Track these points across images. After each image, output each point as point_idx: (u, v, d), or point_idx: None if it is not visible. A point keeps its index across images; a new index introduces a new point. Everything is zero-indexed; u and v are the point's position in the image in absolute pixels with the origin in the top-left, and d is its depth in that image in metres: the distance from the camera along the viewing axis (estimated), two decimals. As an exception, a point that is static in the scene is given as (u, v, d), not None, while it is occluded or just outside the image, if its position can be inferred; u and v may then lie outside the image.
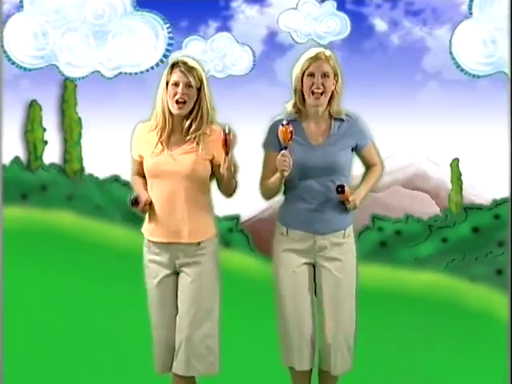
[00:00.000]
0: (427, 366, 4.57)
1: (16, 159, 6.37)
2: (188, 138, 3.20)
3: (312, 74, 3.25)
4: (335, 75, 3.28)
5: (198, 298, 3.23)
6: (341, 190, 3.20)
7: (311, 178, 3.26)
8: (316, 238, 3.29)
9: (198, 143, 3.21)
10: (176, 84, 3.18)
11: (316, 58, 3.26)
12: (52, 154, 6.45)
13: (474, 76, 5.91)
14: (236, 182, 3.28)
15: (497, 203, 6.12)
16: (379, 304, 5.44)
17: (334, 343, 3.31)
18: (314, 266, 3.35)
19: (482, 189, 6.39)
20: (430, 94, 6.04)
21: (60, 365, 4.32)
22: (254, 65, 6.13)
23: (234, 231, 6.35)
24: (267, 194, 3.36)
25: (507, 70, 5.74)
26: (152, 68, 6.05)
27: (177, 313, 3.27)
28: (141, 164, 3.32)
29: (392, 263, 6.11)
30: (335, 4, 6.01)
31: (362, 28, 6.03)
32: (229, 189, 3.28)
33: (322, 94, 3.24)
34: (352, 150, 3.34)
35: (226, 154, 3.13)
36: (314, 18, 6.03)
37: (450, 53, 5.89)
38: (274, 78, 6.21)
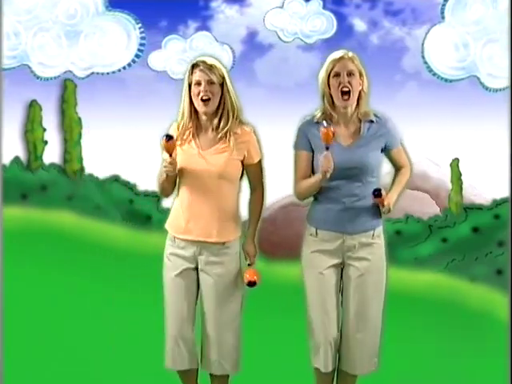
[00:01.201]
0: (427, 366, 4.57)
1: (16, 159, 6.37)
2: (219, 136, 3.23)
3: (338, 74, 3.27)
4: (361, 75, 3.30)
5: (223, 299, 3.28)
6: (378, 193, 3.22)
7: (341, 179, 3.28)
8: (345, 237, 3.30)
9: (229, 142, 3.23)
10: (198, 83, 3.24)
11: (340, 59, 3.29)
12: (52, 153, 6.45)
13: (446, 80, 5.92)
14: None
15: (497, 203, 6.12)
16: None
17: (356, 342, 3.31)
18: (342, 267, 3.36)
19: (482, 189, 6.39)
20: (409, 95, 6.05)
21: (60, 365, 4.32)
22: (233, 64, 6.12)
23: (234, 231, 6.34)
24: (304, 194, 3.37)
25: (480, 74, 5.82)
26: (124, 68, 6.06)
27: (194, 309, 3.31)
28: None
29: (392, 263, 6.09)
30: (321, 3, 6.01)
31: (342, 28, 6.00)
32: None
33: (349, 92, 3.26)
34: (381, 151, 3.36)
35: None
36: (300, 17, 6.02)
37: (423, 57, 5.90)
38: (253, 79, 6.22)
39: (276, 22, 6.05)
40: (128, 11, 6.00)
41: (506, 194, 5.51)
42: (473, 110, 5.94)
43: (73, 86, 6.33)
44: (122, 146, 6.05)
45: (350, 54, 3.32)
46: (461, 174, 6.26)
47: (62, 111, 6.43)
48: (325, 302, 3.30)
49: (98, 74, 6.07)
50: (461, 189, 6.28)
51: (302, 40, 6.01)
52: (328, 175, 3.18)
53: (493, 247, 6.01)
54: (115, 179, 6.38)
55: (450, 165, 6.29)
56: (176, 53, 6.13)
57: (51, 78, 6.02)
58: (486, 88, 5.91)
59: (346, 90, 3.26)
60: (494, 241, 6.02)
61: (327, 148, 3.17)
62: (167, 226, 3.39)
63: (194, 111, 3.27)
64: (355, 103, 3.32)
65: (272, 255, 5.28)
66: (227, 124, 3.24)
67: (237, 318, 3.32)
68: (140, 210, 5.87)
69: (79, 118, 6.43)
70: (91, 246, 5.89)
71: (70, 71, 6.03)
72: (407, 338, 4.98)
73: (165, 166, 3.21)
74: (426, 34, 5.93)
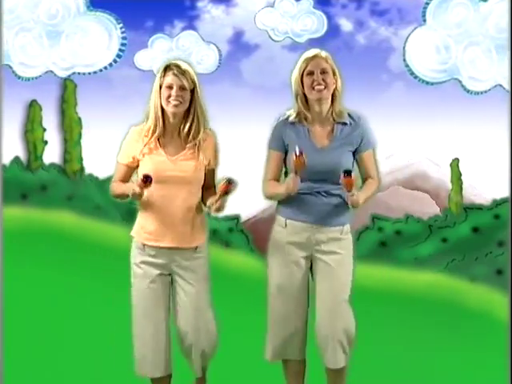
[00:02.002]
0: (427, 366, 4.57)
1: (16, 159, 6.37)
2: (189, 144, 3.24)
3: (311, 73, 3.27)
4: (334, 74, 3.30)
5: (200, 303, 3.30)
6: (348, 174, 3.17)
7: (313, 180, 3.27)
8: (314, 230, 3.31)
9: (197, 149, 3.24)
10: (170, 87, 3.23)
11: (313, 57, 3.29)
12: (52, 153, 6.45)
13: (427, 83, 5.93)
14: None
15: (497, 203, 6.12)
16: (379, 304, 5.44)
17: (330, 335, 3.31)
18: (310, 261, 3.37)
19: (482, 189, 6.39)
20: (395, 95, 6.05)
21: (60, 365, 4.32)
22: (219, 64, 6.12)
23: (234, 231, 6.35)
24: (270, 198, 3.42)
25: (461, 77, 5.82)
26: (105, 68, 6.07)
27: (167, 315, 3.32)
28: (129, 169, 3.33)
29: (392, 263, 6.11)
30: (312, 2, 6.02)
31: (328, 28, 6.01)
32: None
33: (324, 88, 3.26)
34: (353, 153, 3.35)
35: (221, 196, 3.18)
36: (291, 16, 6.03)
37: (404, 60, 5.91)
38: (239, 78, 6.23)
39: (267, 21, 6.05)
40: (111, 11, 6.01)
41: (506, 194, 5.51)
42: (456, 111, 5.97)
43: (73, 86, 6.34)
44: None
45: (323, 53, 3.31)
46: (461, 174, 6.26)
47: (62, 111, 6.43)
48: (291, 294, 3.31)
49: (79, 74, 6.08)
50: (461, 189, 6.28)
51: (292, 39, 6.02)
52: (292, 194, 3.20)
53: (493, 247, 6.01)
54: (115, 179, 6.37)
55: (450, 165, 6.30)
56: (162, 52, 6.14)
57: (32, 78, 6.01)
58: (468, 91, 5.91)
59: (320, 87, 3.25)
60: (494, 241, 6.02)
61: (296, 173, 3.18)
62: (135, 234, 3.36)
63: (163, 113, 3.27)
64: (329, 102, 3.30)
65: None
66: (199, 132, 3.25)
67: (212, 320, 3.36)
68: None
69: (79, 118, 6.44)
70: (91, 246, 5.89)
71: (51, 71, 6.03)
72: (407, 337, 4.98)
73: (133, 196, 3.19)
74: (408, 36, 5.95)
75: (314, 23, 6.00)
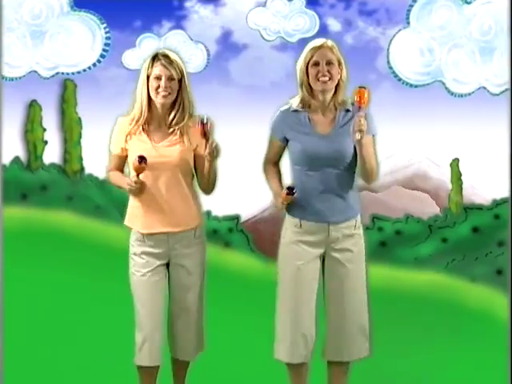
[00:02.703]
0: (427, 366, 4.57)
1: (16, 159, 6.37)
2: (171, 130, 3.25)
3: (317, 63, 3.26)
4: (339, 64, 3.29)
5: (198, 289, 3.35)
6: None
7: (319, 168, 3.27)
8: (330, 228, 3.31)
9: (182, 134, 3.26)
10: (158, 77, 3.25)
11: (319, 47, 3.28)
12: (52, 153, 6.45)
13: (411, 85, 5.94)
14: (216, 174, 3.32)
15: (497, 203, 6.12)
16: (379, 304, 5.44)
17: (342, 332, 3.32)
18: (323, 259, 3.37)
19: (482, 189, 6.39)
20: (383, 95, 6.05)
21: (60, 365, 4.32)
22: (207, 63, 6.12)
23: (233, 231, 6.35)
24: (266, 180, 3.43)
25: (445, 79, 5.84)
26: (89, 68, 6.07)
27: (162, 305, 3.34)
28: (121, 158, 3.38)
29: (392, 263, 6.11)
30: (304, 1, 6.03)
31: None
32: (209, 181, 3.32)
33: (329, 79, 3.25)
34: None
35: (207, 140, 3.18)
36: (283, 16, 6.03)
37: (388, 62, 5.91)
38: (228, 78, 6.23)
39: (259, 20, 6.06)
40: (98, 11, 6.02)
41: (506, 194, 5.51)
42: (439, 112, 5.98)
43: (73, 86, 6.34)
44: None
45: (330, 43, 3.30)
46: (461, 174, 6.26)
47: (62, 111, 6.43)
48: (304, 295, 3.31)
49: (62, 74, 6.08)
50: (461, 189, 6.28)
51: (284, 39, 6.03)
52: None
53: (493, 247, 6.01)
54: (115, 179, 6.37)
55: (450, 165, 6.29)
56: (150, 51, 6.14)
57: (16, 78, 6.01)
58: (452, 93, 5.92)
59: (326, 78, 3.24)
60: (494, 241, 6.02)
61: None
62: (129, 223, 3.38)
63: (150, 103, 3.28)
64: (333, 91, 3.29)
65: (272, 255, 5.26)
66: (183, 120, 3.26)
67: (203, 304, 3.41)
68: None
69: (79, 118, 6.44)
70: (91, 246, 5.89)
71: (35, 71, 6.03)
72: (407, 337, 4.98)
73: (129, 186, 3.22)
74: (392, 39, 5.96)
75: (306, 23, 6.01)
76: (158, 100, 3.24)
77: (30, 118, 6.38)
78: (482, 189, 6.38)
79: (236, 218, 6.36)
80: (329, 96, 3.30)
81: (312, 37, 5.92)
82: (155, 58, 3.28)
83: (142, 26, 6.24)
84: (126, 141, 3.32)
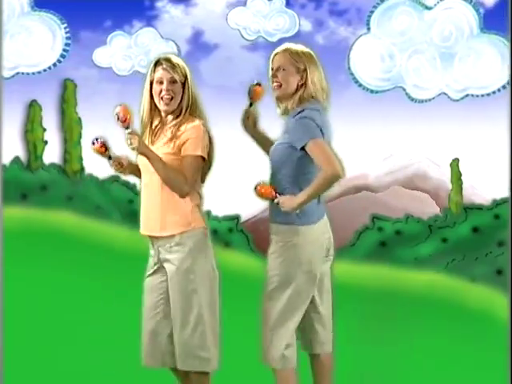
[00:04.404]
0: (427, 366, 4.57)
1: (16, 159, 6.37)
2: (166, 132, 3.24)
3: (272, 70, 3.25)
4: (299, 69, 3.25)
5: (179, 296, 3.23)
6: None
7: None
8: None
9: (172, 138, 3.20)
10: (160, 81, 3.22)
11: (275, 55, 3.27)
12: (52, 154, 6.45)
13: (371, 91, 5.94)
14: (163, 170, 3.17)
15: (497, 203, 6.12)
16: (379, 304, 5.44)
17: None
18: None
19: (482, 189, 6.39)
20: (354, 95, 6.05)
21: (60, 365, 4.32)
22: None
23: (234, 231, 6.35)
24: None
25: (406, 85, 5.86)
26: (50, 68, 6.07)
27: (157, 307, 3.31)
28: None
29: (392, 263, 6.11)
30: (284, 1, 6.04)
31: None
32: (164, 179, 3.20)
33: (278, 86, 3.24)
34: (298, 148, 3.17)
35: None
36: (264, 16, 6.04)
37: (349, 68, 5.91)
38: (198, 78, 6.23)
39: (239, 20, 6.06)
40: (69, 11, 6.04)
41: (505, 194, 5.52)
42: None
43: (73, 86, 6.34)
44: (122, 146, 6.04)
45: (284, 48, 3.26)
46: (461, 174, 6.26)
47: (62, 111, 6.43)
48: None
49: (22, 74, 6.08)
50: (461, 189, 6.28)
51: (264, 38, 6.04)
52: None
53: (493, 247, 6.01)
54: (115, 179, 6.38)
55: (450, 165, 6.29)
56: (121, 49, 6.16)
57: None
58: (412, 99, 5.92)
59: (273, 85, 3.22)
60: (494, 241, 6.02)
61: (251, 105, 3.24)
62: None
63: (154, 109, 3.26)
64: (288, 98, 3.22)
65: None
66: (177, 123, 3.21)
67: (197, 318, 3.25)
68: (140, 210, 5.88)
69: (79, 118, 6.44)
70: (91, 246, 5.89)
71: None
72: (407, 337, 4.98)
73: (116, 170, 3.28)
74: (352, 45, 5.96)
75: (286, 22, 6.03)
76: (162, 107, 3.23)
77: (30, 117, 6.38)
78: (482, 189, 6.38)
79: (236, 217, 6.36)
80: (287, 103, 3.23)
81: (292, 36, 5.96)
82: (157, 62, 3.27)
83: (112, 25, 6.27)
84: None
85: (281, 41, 5.84)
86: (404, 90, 5.91)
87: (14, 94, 5.97)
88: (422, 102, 5.89)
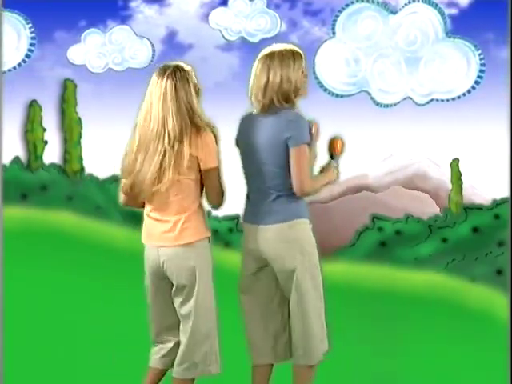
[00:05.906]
0: (427, 366, 4.57)
1: (16, 159, 6.37)
2: None
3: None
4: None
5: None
6: None
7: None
8: None
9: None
10: None
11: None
12: (52, 154, 6.46)
13: (337, 95, 5.92)
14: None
15: (497, 203, 6.12)
16: (379, 304, 5.44)
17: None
18: None
19: (482, 189, 6.40)
20: (325, 96, 6.04)
21: (60, 365, 4.32)
22: (152, 59, 6.13)
23: (234, 231, 6.35)
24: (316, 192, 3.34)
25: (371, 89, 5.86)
26: (14, 68, 6.06)
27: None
28: None
29: (392, 263, 6.11)
30: (265, 2, 6.04)
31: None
32: None
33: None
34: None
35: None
36: (245, 16, 6.04)
37: (314, 72, 5.89)
38: None
39: (220, 20, 6.05)
40: (43, 11, 6.03)
41: (506, 194, 5.52)
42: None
43: (73, 86, 6.35)
44: (122, 146, 6.05)
45: (266, 52, 3.29)
46: (461, 174, 6.27)
47: (62, 111, 6.44)
48: None
49: None
50: (461, 189, 6.28)
51: (246, 39, 6.04)
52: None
53: (493, 247, 6.01)
54: (115, 179, 6.38)
55: (450, 165, 6.30)
56: (95, 46, 6.16)
57: None
58: (377, 103, 5.91)
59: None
60: (494, 241, 6.03)
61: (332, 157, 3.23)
62: None
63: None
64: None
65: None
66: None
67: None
68: (140, 210, 5.88)
69: (79, 118, 6.44)
70: (91, 246, 5.89)
71: None
72: (407, 337, 4.98)
73: None
74: (317, 49, 5.94)
75: (267, 23, 6.02)
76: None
77: (30, 118, 6.39)
78: (482, 189, 6.39)
79: (236, 218, 6.36)
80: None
81: (273, 37, 5.94)
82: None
83: (87, 25, 6.27)
84: None
85: (262, 41, 5.88)
86: (369, 94, 5.90)
87: (14, 94, 5.98)
88: (387, 106, 5.87)
